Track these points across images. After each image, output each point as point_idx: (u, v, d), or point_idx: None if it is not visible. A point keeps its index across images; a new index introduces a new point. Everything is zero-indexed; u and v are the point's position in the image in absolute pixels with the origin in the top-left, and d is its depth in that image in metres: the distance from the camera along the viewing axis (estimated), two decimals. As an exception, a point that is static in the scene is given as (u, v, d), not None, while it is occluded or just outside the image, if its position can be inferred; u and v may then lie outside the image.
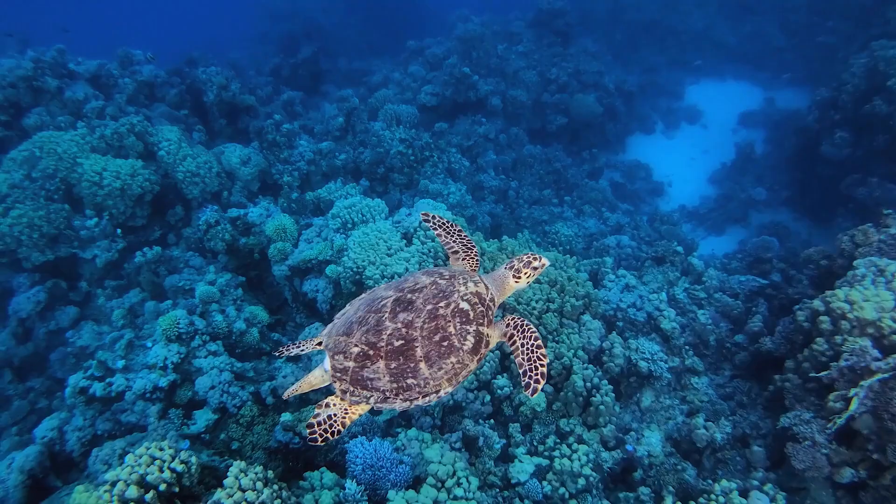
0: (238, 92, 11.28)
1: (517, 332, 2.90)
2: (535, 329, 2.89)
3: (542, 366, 2.75)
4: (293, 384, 3.04)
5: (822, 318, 5.43)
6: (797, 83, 17.20)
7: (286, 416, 5.78)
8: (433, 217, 3.48)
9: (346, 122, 11.35)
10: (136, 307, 8.34)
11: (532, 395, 2.69)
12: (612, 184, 13.90)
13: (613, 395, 5.90)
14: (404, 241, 7.16)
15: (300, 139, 11.00)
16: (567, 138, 14.24)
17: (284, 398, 3.12)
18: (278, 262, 7.92)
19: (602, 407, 5.77)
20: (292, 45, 18.64)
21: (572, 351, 6.08)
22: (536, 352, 2.81)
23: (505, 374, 6.21)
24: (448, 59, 13.62)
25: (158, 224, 9.59)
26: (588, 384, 5.86)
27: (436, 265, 6.76)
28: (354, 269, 6.91)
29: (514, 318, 2.96)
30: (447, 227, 3.46)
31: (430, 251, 6.86)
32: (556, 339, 6.22)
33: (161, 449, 3.97)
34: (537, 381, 2.71)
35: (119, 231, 8.90)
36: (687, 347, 6.66)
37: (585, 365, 6.00)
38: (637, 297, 6.87)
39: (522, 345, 2.84)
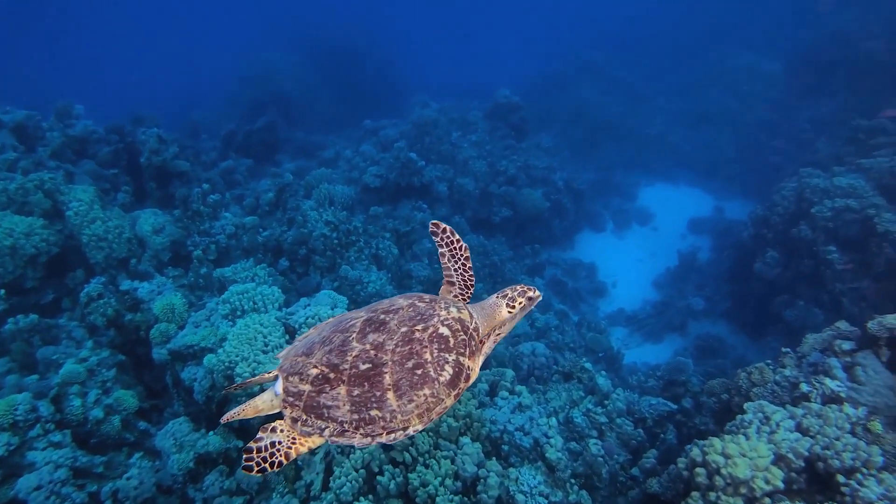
0: (170, 157, 11.03)
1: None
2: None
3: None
4: (237, 408, 2.60)
5: (698, 469, 5.00)
6: (747, 195, 17.63)
7: (103, 535, 5.07)
8: (442, 229, 2.92)
9: (276, 198, 11.13)
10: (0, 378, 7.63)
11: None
12: (554, 281, 13.72)
13: (479, 535, 5.31)
14: (287, 337, 6.70)
15: (226, 211, 10.71)
16: (512, 231, 14.18)
17: (223, 422, 2.64)
18: (159, 345, 7.36)
19: (462, 549, 5.17)
20: (258, 110, 18.84)
21: (439, 479, 5.53)
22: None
23: (370, 496, 5.61)
24: (398, 142, 13.70)
25: (55, 287, 9.05)
26: (450, 521, 5.27)
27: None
28: (226, 364, 6.37)
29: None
30: (454, 248, 2.90)
31: (309, 351, 6.38)
32: (426, 462, 5.67)
33: None
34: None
35: (2, 292, 8.31)
36: (572, 481, 6.14)
37: (451, 496, 5.43)
38: (528, 419, 6.41)
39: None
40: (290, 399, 2.38)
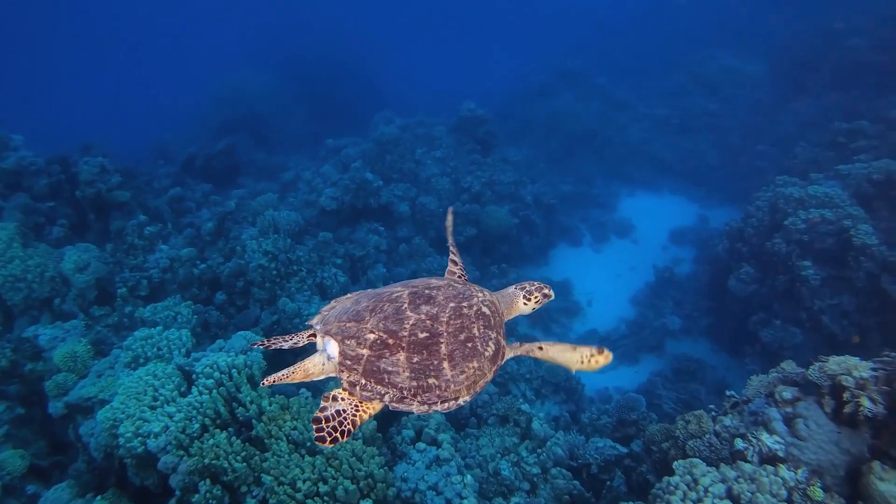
0: (110, 187, 10.56)
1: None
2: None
3: None
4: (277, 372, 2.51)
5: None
6: (732, 203, 16.86)
7: None
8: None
9: (217, 227, 10.60)
10: None
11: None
12: (522, 301, 13.01)
13: None
14: (183, 389, 6.13)
15: (166, 243, 10.21)
16: (478, 250, 13.53)
17: (264, 385, 2.51)
18: (56, 398, 6.81)
19: None
20: (229, 131, 18.45)
21: (329, 556, 4.90)
22: None
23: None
24: (355, 162, 13.17)
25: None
26: None
27: (203, 425, 5.68)
28: (111, 421, 5.82)
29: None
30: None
31: (201, 406, 5.80)
32: (318, 534, 5.05)
33: None
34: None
35: None
36: (490, 549, 5.47)
37: (340, 577, 4.80)
38: (442, 475, 5.76)
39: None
40: (348, 363, 2.36)
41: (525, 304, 2.88)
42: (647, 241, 16.30)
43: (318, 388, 7.06)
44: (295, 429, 5.76)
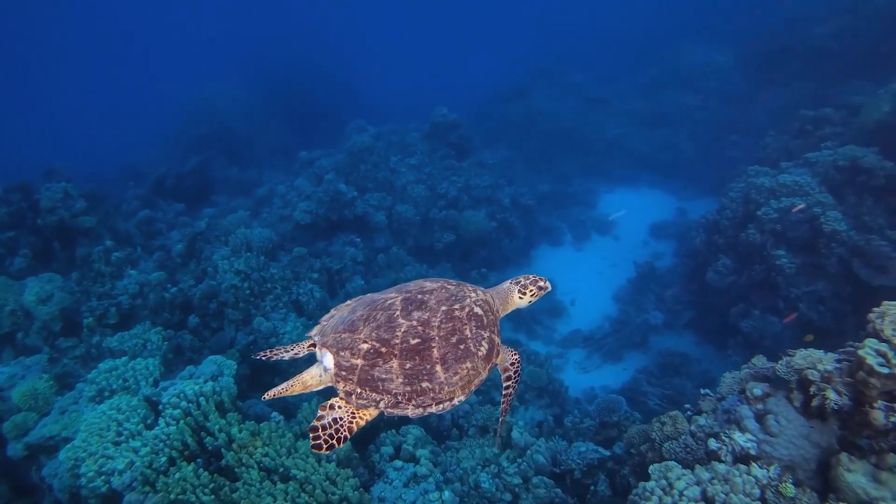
0: (74, 214, 10.34)
1: (514, 377, 2.83)
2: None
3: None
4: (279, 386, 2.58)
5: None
6: (709, 194, 16.94)
7: None
8: None
9: (188, 248, 10.40)
10: None
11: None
12: (504, 305, 12.93)
13: None
14: (150, 421, 5.96)
15: (132, 268, 9.99)
16: (458, 256, 13.44)
17: (265, 399, 2.55)
18: (15, 440, 6.59)
19: None
20: (201, 148, 18.21)
21: (302, 587, 4.75)
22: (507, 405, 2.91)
23: None
24: (328, 173, 13.03)
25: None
26: None
27: (170, 458, 5.51)
28: (73, 461, 5.63)
29: (518, 359, 2.88)
30: None
31: (167, 438, 5.63)
32: (290, 566, 4.90)
33: None
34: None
35: None
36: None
37: None
38: (420, 493, 5.64)
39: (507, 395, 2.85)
40: (343, 373, 2.43)
41: (520, 297, 2.95)
42: (627, 237, 16.32)
43: (291, 411, 6.93)
44: (266, 455, 5.60)
